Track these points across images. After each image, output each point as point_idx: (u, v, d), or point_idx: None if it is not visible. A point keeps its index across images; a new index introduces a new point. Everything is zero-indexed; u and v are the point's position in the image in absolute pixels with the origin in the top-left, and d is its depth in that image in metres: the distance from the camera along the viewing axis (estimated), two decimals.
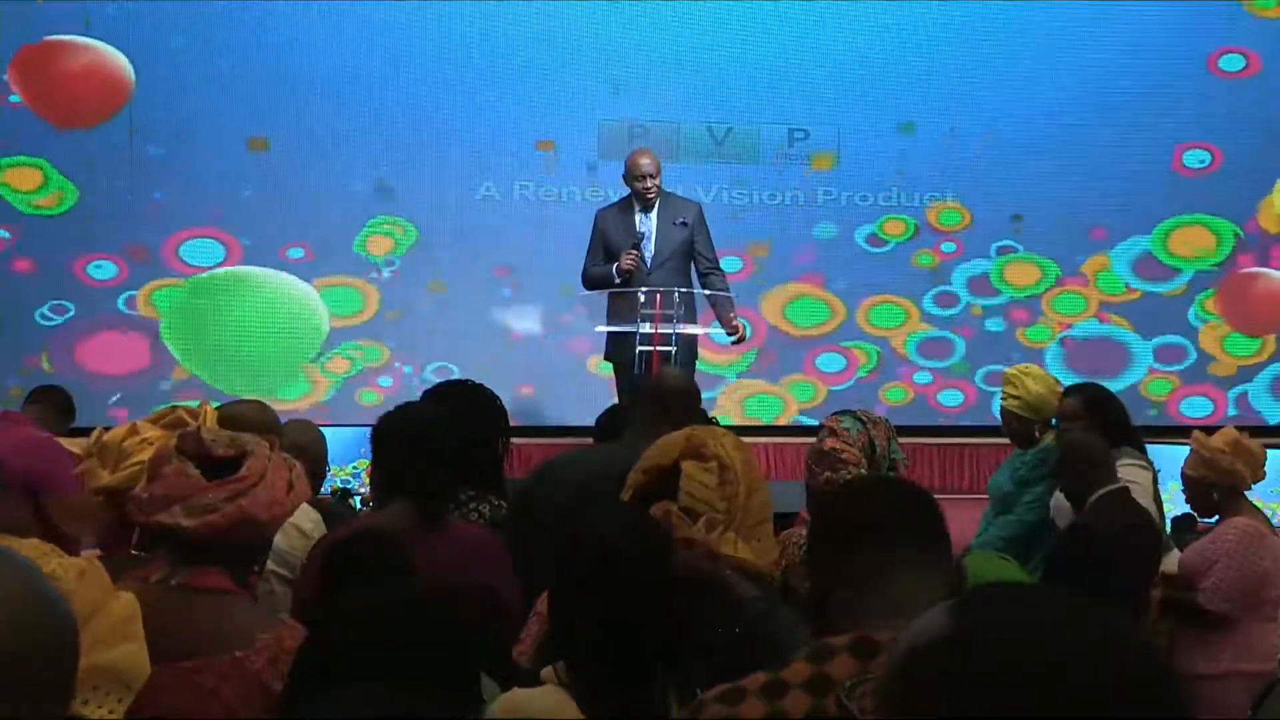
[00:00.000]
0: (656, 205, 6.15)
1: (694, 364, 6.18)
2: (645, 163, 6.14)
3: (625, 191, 6.25)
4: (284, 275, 7.42)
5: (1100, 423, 4.82)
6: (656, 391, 3.80)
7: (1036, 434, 5.08)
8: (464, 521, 3.19)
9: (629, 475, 2.60)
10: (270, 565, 3.25)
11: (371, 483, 3.15)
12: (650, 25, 7.54)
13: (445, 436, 3.02)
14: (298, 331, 7.46)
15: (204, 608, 2.20)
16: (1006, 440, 5.40)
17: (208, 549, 2.24)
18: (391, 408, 3.23)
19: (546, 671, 2.06)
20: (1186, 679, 4.12)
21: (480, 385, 3.72)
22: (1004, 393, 5.16)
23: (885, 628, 1.61)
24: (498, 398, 3.65)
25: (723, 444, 2.54)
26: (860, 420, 3.93)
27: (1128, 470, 4.59)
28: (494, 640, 2.45)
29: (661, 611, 2.11)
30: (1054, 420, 5.11)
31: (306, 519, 3.49)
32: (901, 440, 3.83)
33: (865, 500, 1.86)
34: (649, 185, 6.10)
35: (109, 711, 1.65)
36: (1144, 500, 4.56)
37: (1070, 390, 5.15)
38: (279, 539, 3.14)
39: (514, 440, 6.96)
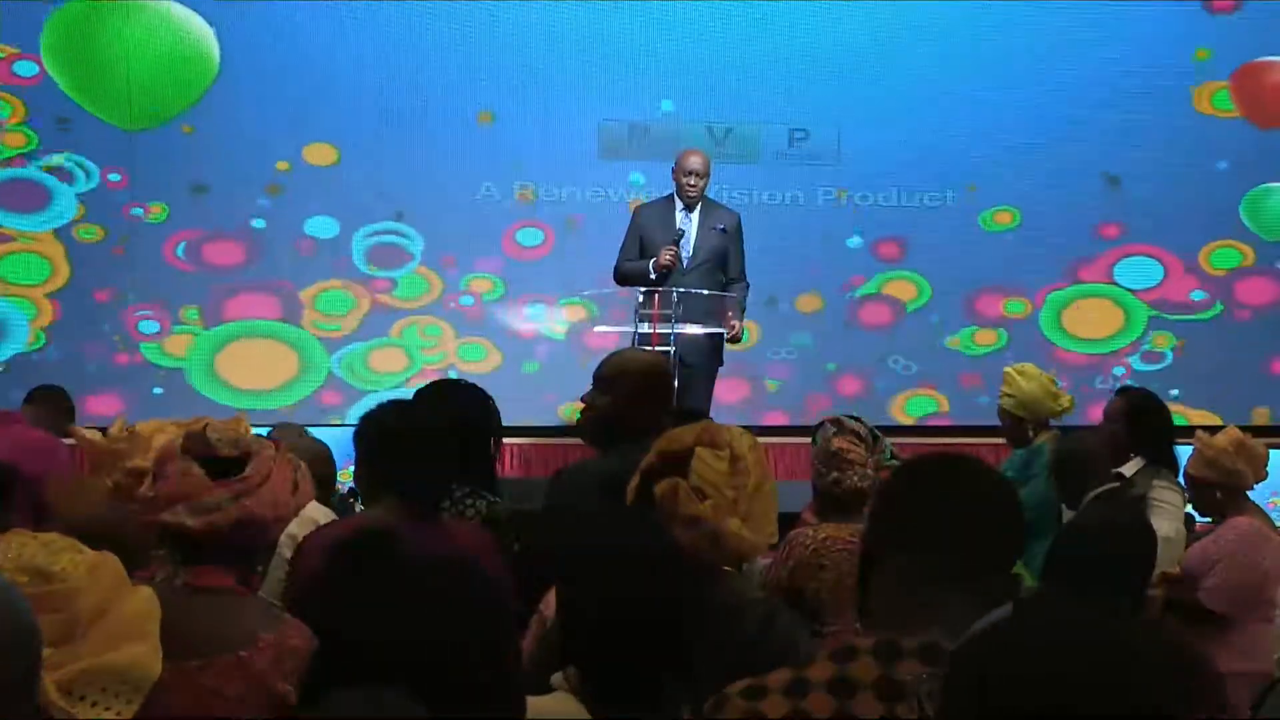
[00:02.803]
0: (699, 207, 6.18)
1: (716, 370, 6.20)
2: (695, 161, 6.20)
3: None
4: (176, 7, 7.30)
5: (1137, 430, 4.82)
6: (655, 374, 3.78)
7: (1030, 434, 5.08)
8: (456, 519, 3.18)
9: (644, 459, 2.62)
10: (289, 557, 3.23)
11: (356, 480, 3.15)
12: (650, 25, 7.53)
13: (432, 431, 3.02)
14: (189, 64, 7.32)
15: (207, 607, 2.20)
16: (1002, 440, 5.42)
17: (211, 548, 2.25)
18: (373, 405, 3.22)
19: (557, 678, 2.07)
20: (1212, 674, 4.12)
21: (472, 384, 3.72)
22: (1001, 391, 5.17)
23: (915, 633, 1.60)
24: (489, 396, 3.64)
25: (737, 439, 2.57)
26: (847, 427, 3.94)
27: (1161, 493, 4.61)
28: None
29: (668, 614, 2.10)
30: (1050, 421, 5.12)
31: (320, 514, 3.49)
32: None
33: (916, 496, 1.76)
34: (694, 183, 6.15)
35: (116, 713, 1.65)
36: (1174, 522, 4.57)
37: (1121, 390, 5.17)
38: (296, 529, 3.14)
39: (517, 440, 7.07)
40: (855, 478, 3.64)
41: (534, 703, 2.05)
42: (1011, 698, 1.01)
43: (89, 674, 1.64)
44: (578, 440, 6.96)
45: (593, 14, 7.50)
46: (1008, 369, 5.31)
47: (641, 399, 3.75)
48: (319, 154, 7.43)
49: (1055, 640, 1.03)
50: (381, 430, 3.03)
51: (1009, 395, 5.11)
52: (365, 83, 7.42)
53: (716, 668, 1.78)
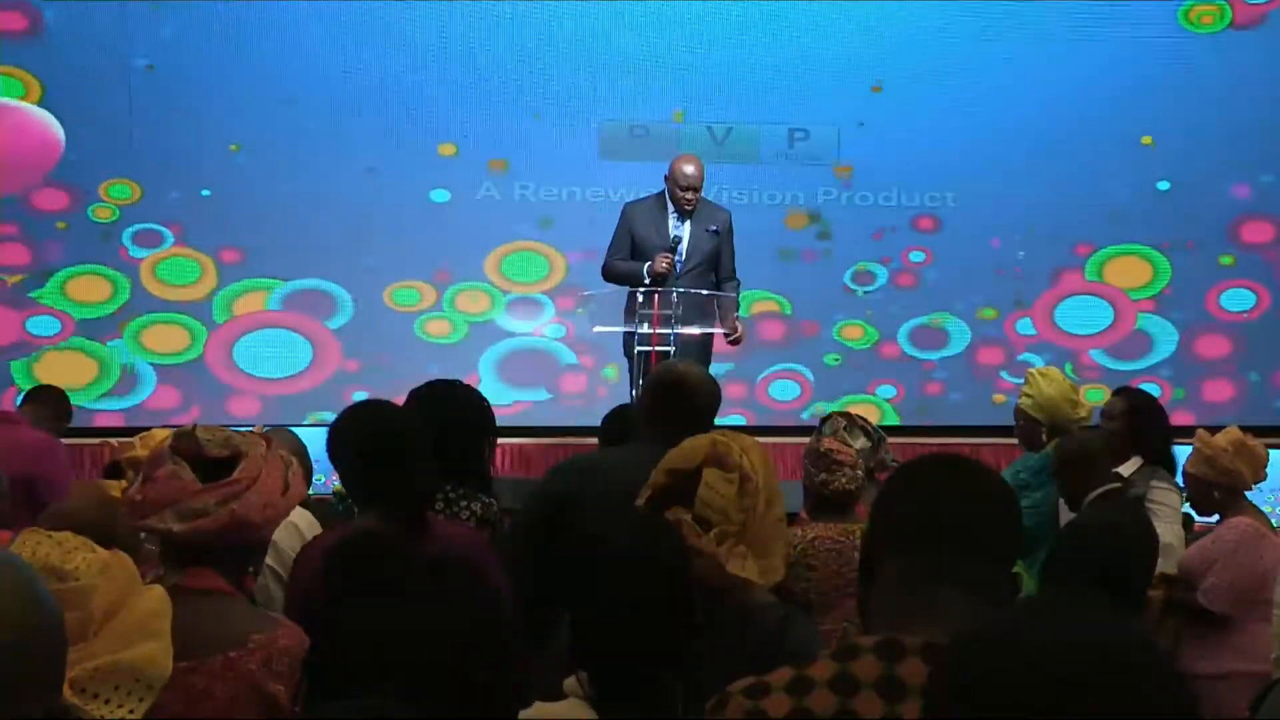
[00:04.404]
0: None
1: (707, 368, 6.19)
2: (691, 173, 6.09)
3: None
4: None
5: (1137, 429, 4.81)
6: (685, 391, 3.69)
7: (1043, 438, 5.06)
8: (447, 520, 3.16)
9: (652, 476, 2.57)
10: (268, 561, 3.23)
11: (343, 485, 3.11)
12: (650, 25, 7.53)
13: (413, 435, 2.99)
14: None
15: (197, 609, 2.17)
16: (1011, 440, 5.40)
17: (202, 551, 2.23)
18: (348, 407, 3.19)
19: (569, 683, 2.06)
20: (1187, 679, 4.10)
21: (465, 384, 3.69)
22: (1021, 390, 5.15)
23: (917, 632, 1.60)
24: (483, 397, 3.63)
25: (748, 454, 2.51)
26: (857, 422, 3.93)
27: (1159, 494, 4.60)
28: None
29: (672, 615, 2.10)
30: (1066, 427, 5.09)
31: (302, 519, 3.48)
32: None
33: (916, 496, 1.76)
34: (689, 198, 6.09)
35: (129, 711, 1.65)
36: (1173, 526, 4.55)
37: (1119, 390, 5.15)
38: (280, 536, 3.12)
39: (516, 441, 7.07)
40: (843, 479, 3.64)
41: (545, 708, 2.05)
42: (990, 698, 1.02)
43: (102, 672, 1.64)
44: (576, 440, 7.03)
45: (593, 15, 7.50)
46: (1031, 370, 5.28)
47: (648, 405, 3.73)
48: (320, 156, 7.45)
49: (1036, 641, 1.04)
50: (362, 439, 2.97)
51: (1028, 395, 5.08)
52: (363, 82, 7.41)
53: (729, 671, 1.78)
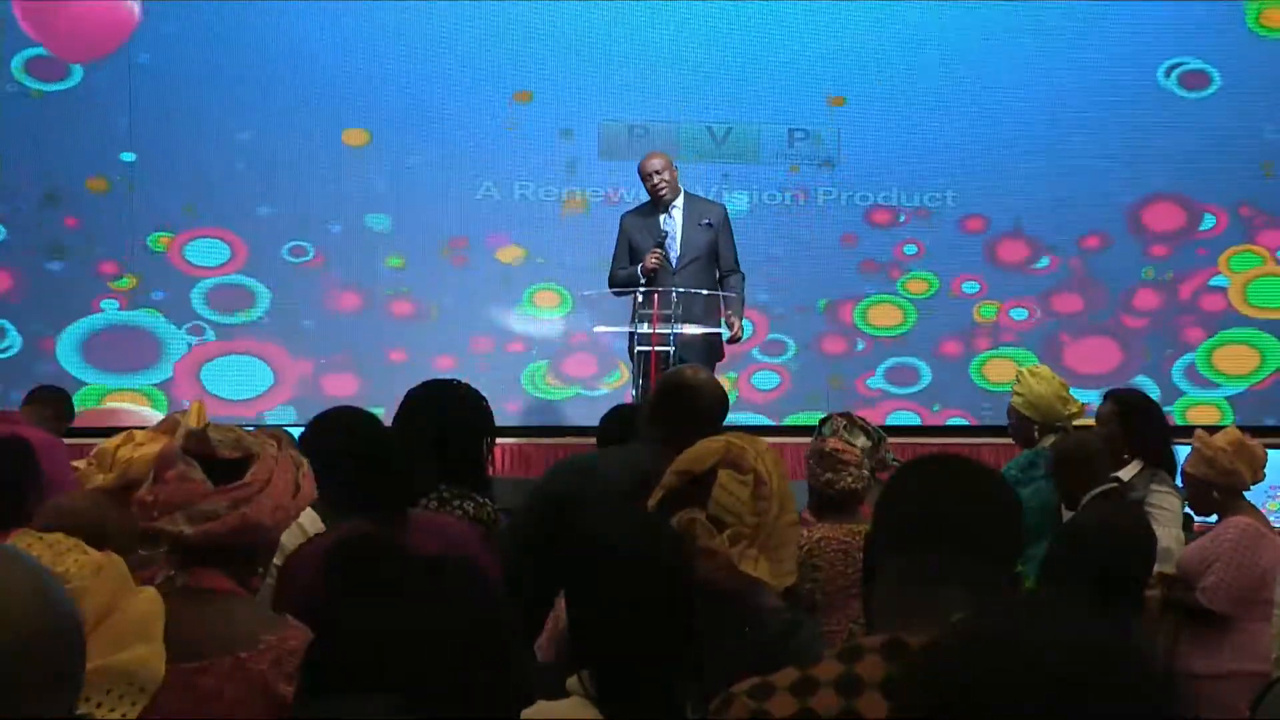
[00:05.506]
0: (681, 205, 6.19)
1: (713, 367, 6.18)
2: (652, 161, 6.19)
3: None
4: None
5: (1131, 431, 4.80)
6: (686, 394, 3.68)
7: (1036, 435, 5.06)
8: (433, 513, 3.15)
9: (664, 477, 2.56)
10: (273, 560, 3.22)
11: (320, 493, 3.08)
12: (650, 25, 7.54)
13: (403, 438, 2.97)
14: None
15: (207, 609, 2.18)
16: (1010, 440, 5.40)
17: (210, 552, 2.22)
18: (325, 412, 3.18)
19: (572, 682, 2.06)
20: (1185, 679, 4.11)
21: (464, 383, 3.68)
22: (1012, 389, 5.17)
23: (919, 631, 1.60)
24: (482, 396, 3.62)
25: (763, 458, 2.51)
26: (856, 422, 3.93)
27: (1159, 498, 4.59)
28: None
29: (675, 615, 2.10)
30: (1057, 425, 5.09)
31: (305, 516, 3.47)
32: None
33: (916, 496, 1.76)
34: (657, 183, 6.14)
35: (121, 715, 1.64)
36: (1173, 529, 4.55)
37: (1110, 394, 5.15)
38: (284, 535, 3.10)
39: (516, 441, 7.07)
40: (849, 478, 3.64)
41: (548, 707, 2.04)
42: (978, 698, 1.03)
43: (95, 675, 1.62)
44: (576, 440, 7.03)
45: (593, 14, 7.51)
46: (1021, 369, 5.29)
47: (652, 405, 3.73)
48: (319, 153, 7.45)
49: (1021, 641, 1.04)
50: (353, 443, 2.95)
51: (1018, 394, 5.10)
52: (362, 80, 7.42)
53: (734, 672, 1.78)
